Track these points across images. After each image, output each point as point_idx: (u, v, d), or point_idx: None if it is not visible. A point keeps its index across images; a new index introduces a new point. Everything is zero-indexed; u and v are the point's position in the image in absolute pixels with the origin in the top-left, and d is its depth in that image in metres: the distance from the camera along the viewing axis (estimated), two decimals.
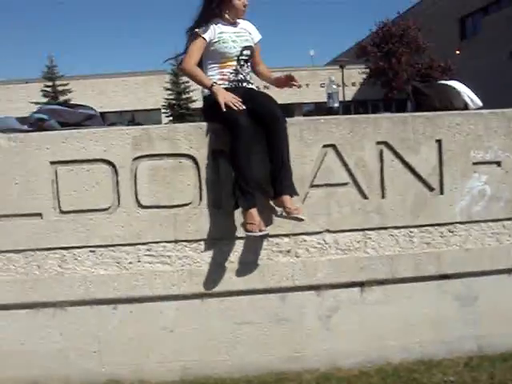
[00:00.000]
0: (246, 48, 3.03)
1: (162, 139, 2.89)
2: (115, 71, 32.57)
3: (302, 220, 2.74)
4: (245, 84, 3.03)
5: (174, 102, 29.94)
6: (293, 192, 2.79)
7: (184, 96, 29.81)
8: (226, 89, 2.93)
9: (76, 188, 2.88)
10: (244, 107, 2.77)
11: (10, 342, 2.94)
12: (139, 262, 2.92)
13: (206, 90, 2.99)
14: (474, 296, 3.08)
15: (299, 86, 3.05)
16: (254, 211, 2.71)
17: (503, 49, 22.53)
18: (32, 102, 28.79)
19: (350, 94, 29.38)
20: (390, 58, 25.77)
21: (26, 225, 2.89)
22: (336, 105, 3.33)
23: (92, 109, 3.08)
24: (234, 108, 2.73)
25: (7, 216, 2.89)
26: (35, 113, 3.01)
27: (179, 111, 29.52)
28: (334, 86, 3.22)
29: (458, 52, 25.61)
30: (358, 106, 30.22)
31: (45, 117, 2.92)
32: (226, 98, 2.77)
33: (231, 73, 3.00)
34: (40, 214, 2.89)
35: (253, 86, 3.07)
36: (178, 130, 2.91)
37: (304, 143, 2.93)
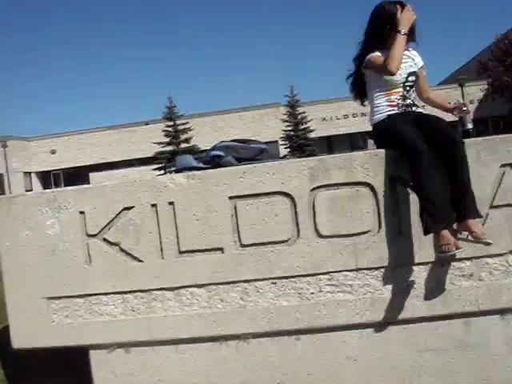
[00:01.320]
0: (410, 74, 3.15)
1: (338, 169, 3.03)
2: (232, 107, 35.14)
3: (490, 244, 2.80)
4: (414, 108, 3.15)
5: (291, 133, 31.98)
6: (477, 215, 2.85)
7: (301, 127, 32.00)
8: (397, 114, 3.06)
9: (255, 221, 3.05)
10: None
11: (196, 374, 3.12)
12: (321, 291, 3.04)
13: (376, 117, 3.13)
14: None
15: (468, 112, 3.15)
16: (446, 232, 2.79)
17: None
18: (155, 143, 31.35)
19: None
20: None
21: (208, 259, 3.08)
22: (470, 126, 3.34)
23: (263, 143, 3.28)
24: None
25: (189, 252, 3.10)
26: (211, 150, 3.23)
27: (298, 142, 31.51)
28: (465, 108, 3.26)
29: None
30: (477, 123, 29.76)
31: (221, 153, 3.13)
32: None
33: (399, 99, 3.13)
34: (221, 249, 3.08)
35: (422, 110, 3.18)
36: (354, 158, 3.05)
37: (482, 163, 3.00)
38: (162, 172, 31.24)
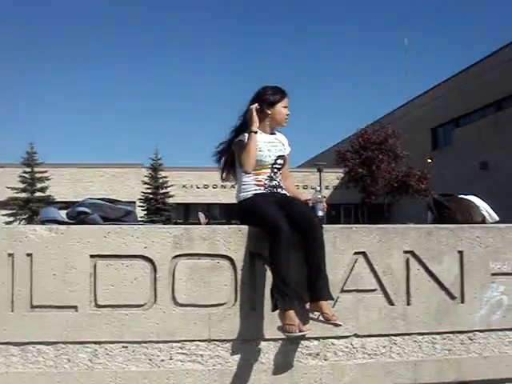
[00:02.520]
0: (279, 157, 3.43)
1: (202, 239, 3.20)
2: (93, 162, 35.45)
3: (339, 325, 3.05)
4: (279, 190, 3.40)
5: (151, 195, 33.11)
6: (330, 298, 3.12)
7: (161, 191, 33.28)
8: (263, 194, 3.30)
9: (114, 283, 3.13)
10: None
11: None
12: (171, 359, 3.15)
13: (242, 194, 3.36)
14: None
15: (321, 202, 3.45)
16: (292, 313, 3.01)
17: (474, 159, 25.77)
18: (9, 188, 30.13)
19: None
20: (369, 165, 28.75)
21: (60, 317, 3.10)
22: (320, 213, 3.61)
23: (129, 204, 3.39)
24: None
25: (42, 307, 3.10)
26: (77, 206, 3.29)
27: (156, 205, 32.74)
28: (319, 196, 3.54)
29: (429, 161, 29.15)
30: (330, 209, 32.58)
31: (87, 210, 3.20)
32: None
33: (266, 179, 3.38)
34: (75, 307, 3.11)
35: (286, 192, 3.44)
36: (218, 231, 3.23)
37: (337, 249, 3.29)
38: (12, 219, 31.10)
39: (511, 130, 24.12)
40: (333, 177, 34.93)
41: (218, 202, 34.15)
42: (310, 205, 3.40)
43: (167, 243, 3.17)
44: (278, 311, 3.07)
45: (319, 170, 30.41)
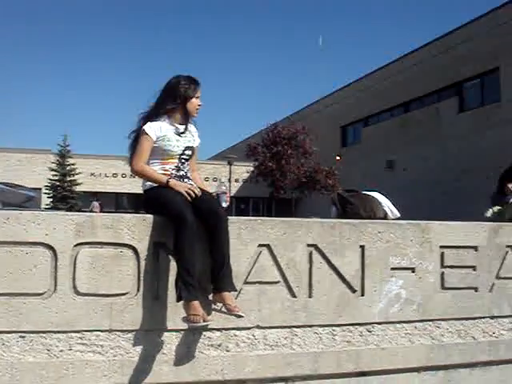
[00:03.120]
0: (188, 148, 4.05)
1: (106, 228, 3.75)
2: None
3: (241, 317, 3.70)
4: (186, 180, 4.02)
5: (57, 183, 35.32)
6: (233, 289, 3.76)
7: (68, 178, 35.62)
8: None
9: (12, 270, 3.61)
10: (199, 192, 3.79)
11: None
12: (70, 350, 3.67)
13: (148, 183, 3.95)
14: None
15: (225, 193, 4.13)
16: (196, 303, 3.63)
17: (380, 158, 30.75)
18: None
19: (232, 190, 36.43)
20: (278, 160, 32.68)
21: None
22: (224, 205, 4.26)
23: (33, 191, 3.88)
24: (196, 194, 3.76)
25: None
26: None
27: (62, 193, 35.01)
28: (224, 187, 4.21)
29: (338, 158, 33.75)
30: (239, 202, 38.63)
31: None
32: (187, 187, 3.77)
33: (173, 169, 3.99)
34: None
35: (193, 183, 4.06)
36: (122, 219, 3.79)
37: (241, 241, 3.95)
38: None
39: (416, 132, 29.01)
40: (243, 170, 38.92)
41: (127, 191, 36.34)
42: (215, 196, 4.04)
43: (69, 231, 3.69)
44: (182, 302, 3.68)
45: (229, 163, 33.81)
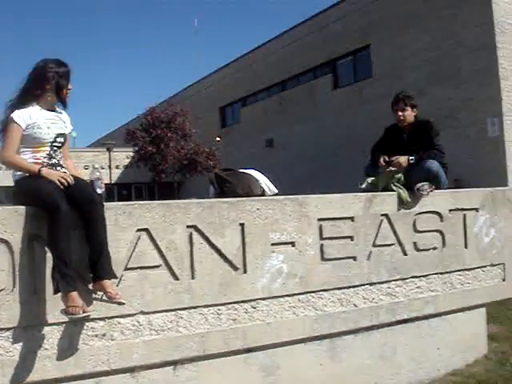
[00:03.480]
0: (59, 135, 4.32)
1: None
2: None
3: (123, 304, 4.04)
4: (59, 168, 4.29)
5: None
6: (113, 276, 4.09)
7: None
8: None
9: None
10: (72, 180, 4.05)
11: None
12: None
13: (18, 173, 4.19)
14: (276, 366, 4.72)
15: (99, 179, 4.44)
16: (75, 294, 3.92)
17: (260, 137, 33.95)
18: None
19: (113, 176, 38.83)
20: (158, 143, 34.96)
21: None
22: (99, 191, 4.57)
23: None
24: (69, 182, 4.03)
25: None
26: None
27: None
28: (98, 173, 4.50)
29: (218, 139, 36.54)
30: (121, 188, 40.82)
31: None
32: (60, 175, 4.04)
33: (45, 157, 4.24)
34: None
35: (66, 171, 4.33)
36: None
37: (119, 227, 4.28)
38: None
39: (294, 110, 31.89)
40: (123, 156, 40.96)
41: (3, 184, 36.60)
42: (88, 182, 4.33)
43: None
44: (60, 294, 3.96)
45: (108, 150, 36.24)
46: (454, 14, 25.32)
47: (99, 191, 4.31)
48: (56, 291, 3.94)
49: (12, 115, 4.17)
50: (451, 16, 25.38)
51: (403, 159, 5.70)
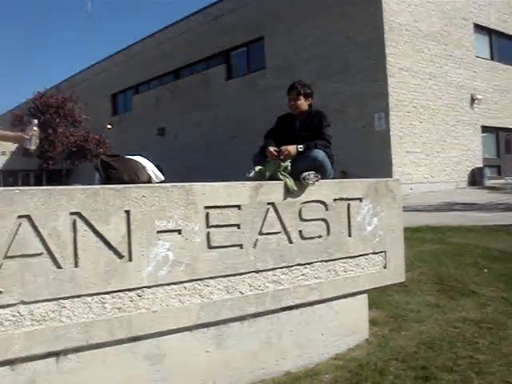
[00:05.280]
0: None
1: None
2: None
3: (1, 292, 3.99)
4: None
5: None
6: None
7: None
8: None
9: None
10: None
11: None
12: None
13: None
14: (162, 354, 4.79)
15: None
16: None
17: (152, 125, 35.40)
18: None
19: None
20: (46, 129, 34.88)
21: None
22: (33, 148, 4.57)
23: None
24: None
25: None
26: None
27: None
28: (35, 129, 4.51)
29: (109, 126, 37.60)
30: (7, 176, 41.89)
31: None
32: None
33: None
34: None
35: None
36: None
37: None
38: None
39: (186, 99, 33.35)
40: (9, 143, 39.70)
41: None
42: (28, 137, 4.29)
43: None
44: None
45: None
46: (345, 11, 26.31)
47: (33, 147, 4.26)
48: None
49: None
50: (342, 13, 26.37)
51: (292, 148, 5.90)
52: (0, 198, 4.24)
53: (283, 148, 5.94)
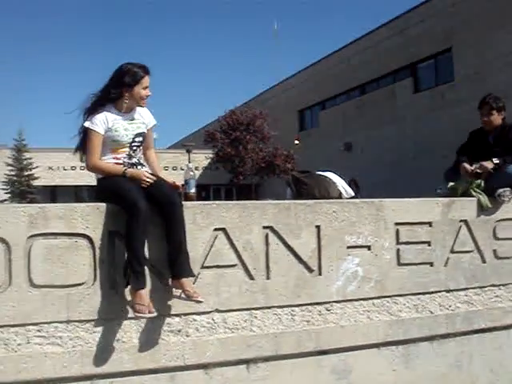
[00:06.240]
0: (137, 135, 4.52)
1: (58, 218, 4.19)
2: None
3: (200, 302, 4.22)
4: (139, 167, 4.50)
5: (14, 178, 40.10)
6: (191, 274, 4.27)
7: (26, 173, 40.30)
8: None
9: None
10: (153, 179, 4.27)
11: None
12: (28, 343, 4.11)
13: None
14: (349, 370, 4.80)
15: (193, 178, 4.65)
16: (143, 292, 4.12)
17: (338, 140, 34.86)
18: None
19: None
20: (237, 145, 36.81)
21: None
22: (192, 191, 4.79)
23: None
24: (150, 181, 4.26)
25: None
26: None
27: (20, 188, 39.74)
28: (192, 173, 4.74)
29: (296, 142, 37.47)
30: (200, 189, 40.86)
31: None
32: (145, 175, 4.28)
33: (125, 157, 4.46)
34: None
35: (147, 169, 4.54)
36: (76, 209, 4.24)
37: (197, 226, 4.45)
38: None
39: (373, 114, 32.38)
40: (202, 158, 42.86)
41: (86, 184, 38.61)
42: (183, 181, 4.55)
43: (21, 222, 4.12)
44: (129, 289, 4.15)
45: (188, 151, 37.93)
46: None
47: (192, 190, 4.52)
48: (126, 285, 4.15)
49: (90, 123, 4.39)
50: None
51: (488, 163, 5.67)
52: (199, 212, 4.48)
53: (478, 165, 5.72)
